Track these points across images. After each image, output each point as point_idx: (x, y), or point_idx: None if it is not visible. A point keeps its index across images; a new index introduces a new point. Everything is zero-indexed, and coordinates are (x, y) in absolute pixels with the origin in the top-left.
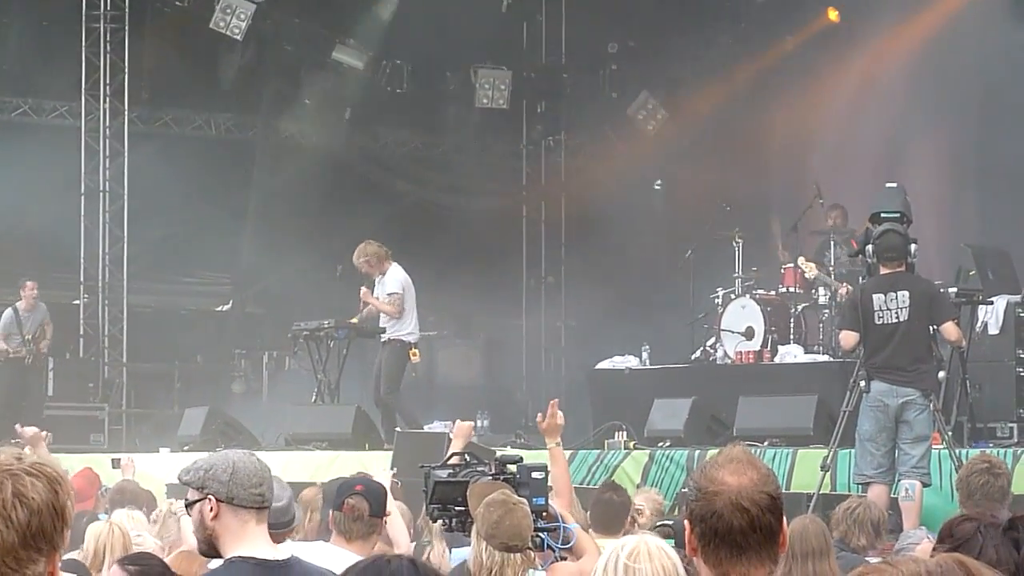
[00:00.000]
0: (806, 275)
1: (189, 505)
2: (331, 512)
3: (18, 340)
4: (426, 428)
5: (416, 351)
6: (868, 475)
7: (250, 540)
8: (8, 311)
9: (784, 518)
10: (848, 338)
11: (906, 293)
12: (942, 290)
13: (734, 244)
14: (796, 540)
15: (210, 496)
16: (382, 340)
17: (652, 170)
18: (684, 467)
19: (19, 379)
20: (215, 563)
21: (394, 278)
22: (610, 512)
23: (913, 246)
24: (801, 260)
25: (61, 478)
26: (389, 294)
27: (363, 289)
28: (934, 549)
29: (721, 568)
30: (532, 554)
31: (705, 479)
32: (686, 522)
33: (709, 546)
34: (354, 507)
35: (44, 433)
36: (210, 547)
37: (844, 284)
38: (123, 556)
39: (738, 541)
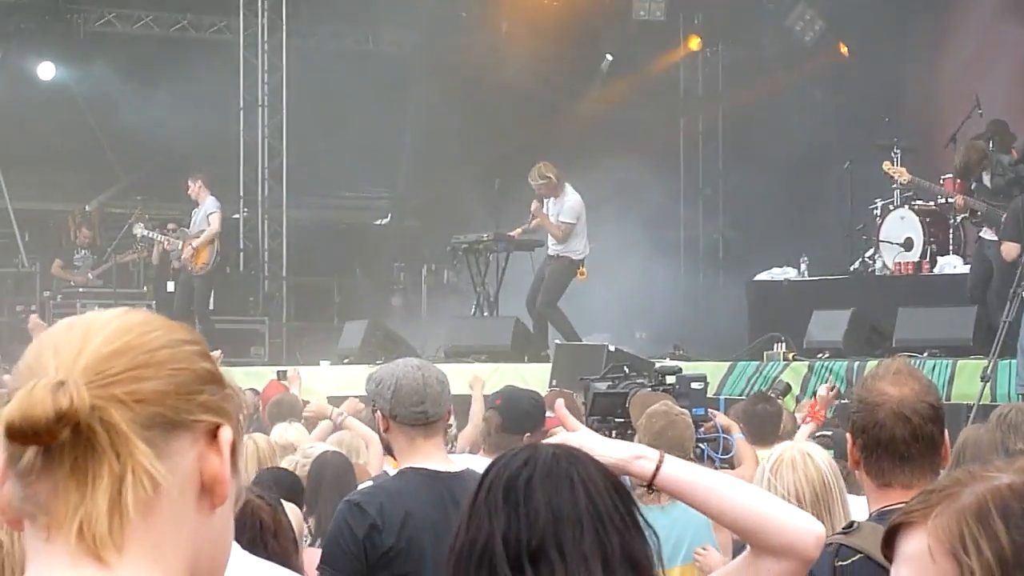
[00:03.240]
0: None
1: (374, 411)
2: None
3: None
4: (585, 340)
5: (584, 270)
6: None
7: (421, 454)
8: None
9: (946, 429)
10: (1010, 249)
11: None
12: None
13: (893, 155)
14: (970, 447)
15: (379, 411)
16: (550, 254)
17: (810, 81)
18: (844, 378)
19: (186, 291)
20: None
21: (571, 207)
22: (762, 423)
23: None
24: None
25: (236, 392)
26: (563, 222)
27: (535, 204)
28: None
29: (884, 479)
30: None
31: (866, 391)
32: (848, 435)
33: (871, 457)
34: (488, 420)
35: (217, 352)
36: (391, 453)
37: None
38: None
39: (900, 451)
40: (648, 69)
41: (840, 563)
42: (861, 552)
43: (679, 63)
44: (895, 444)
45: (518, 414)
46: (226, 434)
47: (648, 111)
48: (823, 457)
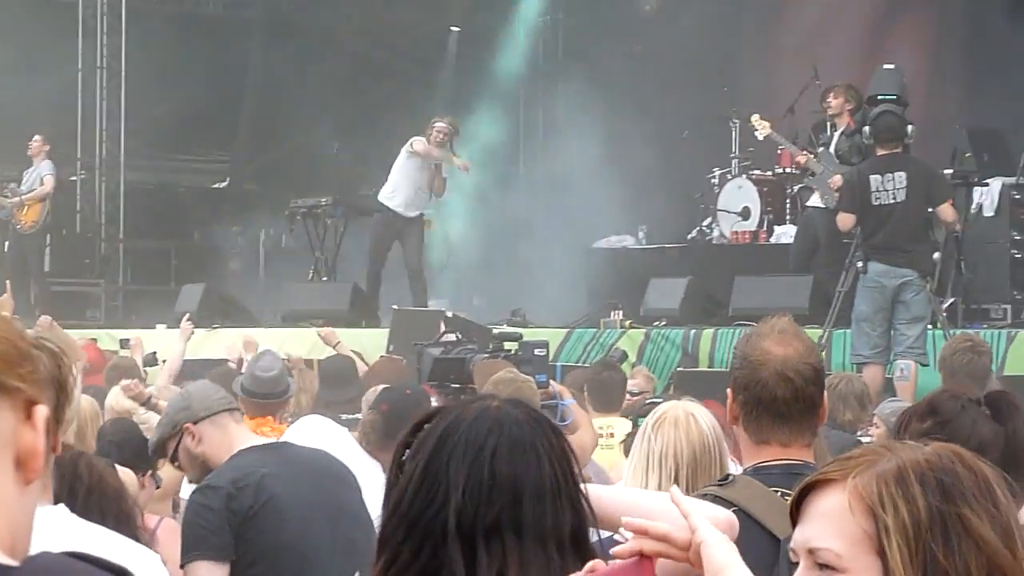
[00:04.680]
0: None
1: (174, 459)
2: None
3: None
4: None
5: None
6: (864, 355)
7: (239, 439)
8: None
9: (825, 391)
10: (846, 219)
11: (903, 174)
12: (939, 172)
13: (731, 124)
14: None
15: (185, 426)
16: (409, 216)
17: (650, 47)
18: (679, 346)
19: (18, 250)
20: None
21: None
22: (608, 390)
23: (910, 128)
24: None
25: (64, 353)
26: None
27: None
28: (916, 422)
29: (762, 435)
30: None
31: (751, 348)
32: (728, 390)
33: (751, 415)
34: (371, 424)
35: (48, 318)
36: (205, 472)
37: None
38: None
39: (781, 410)
40: (491, 37)
41: None
42: (735, 505)
43: (520, 30)
44: (776, 404)
45: (404, 421)
46: (42, 411)
47: (492, 79)
48: (707, 419)
